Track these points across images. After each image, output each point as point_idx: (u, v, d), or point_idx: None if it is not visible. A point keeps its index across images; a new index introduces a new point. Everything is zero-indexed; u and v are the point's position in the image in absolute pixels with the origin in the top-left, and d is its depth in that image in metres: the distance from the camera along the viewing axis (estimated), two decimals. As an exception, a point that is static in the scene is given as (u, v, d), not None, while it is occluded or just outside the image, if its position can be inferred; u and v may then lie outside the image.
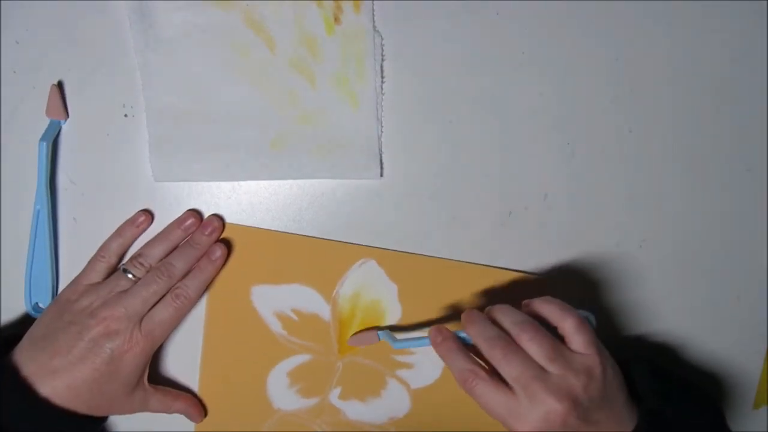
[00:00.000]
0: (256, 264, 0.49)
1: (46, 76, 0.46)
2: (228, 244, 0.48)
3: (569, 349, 0.41)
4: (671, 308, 0.52)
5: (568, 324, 0.41)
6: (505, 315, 0.43)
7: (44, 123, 0.47)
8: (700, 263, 0.52)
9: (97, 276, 0.46)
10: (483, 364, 0.42)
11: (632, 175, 0.51)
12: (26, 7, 0.46)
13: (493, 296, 0.50)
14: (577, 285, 0.51)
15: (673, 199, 0.51)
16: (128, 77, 0.47)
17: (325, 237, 0.49)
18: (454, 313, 0.50)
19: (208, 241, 0.47)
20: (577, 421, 0.39)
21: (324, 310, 0.50)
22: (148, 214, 0.48)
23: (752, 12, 0.50)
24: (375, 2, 0.47)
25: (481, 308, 0.45)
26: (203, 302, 0.49)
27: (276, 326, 0.50)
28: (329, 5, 0.46)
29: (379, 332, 0.48)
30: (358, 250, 0.49)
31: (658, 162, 0.51)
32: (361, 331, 0.50)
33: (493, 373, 0.41)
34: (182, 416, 0.49)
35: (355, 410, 0.52)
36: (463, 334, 0.43)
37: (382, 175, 0.49)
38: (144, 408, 0.47)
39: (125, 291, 0.45)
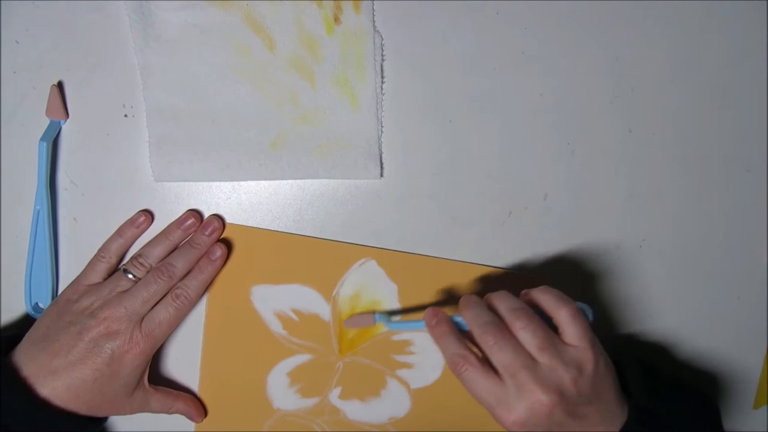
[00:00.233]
0: (256, 264, 0.49)
1: (46, 76, 0.46)
2: (228, 244, 0.48)
3: (562, 340, 0.41)
4: (671, 308, 0.52)
5: (562, 314, 0.41)
6: (502, 301, 0.42)
7: (44, 123, 0.47)
8: (700, 263, 0.52)
9: (97, 276, 0.46)
10: (476, 350, 0.41)
11: (632, 175, 0.51)
12: (26, 7, 0.46)
13: (493, 296, 0.50)
14: (577, 285, 0.51)
15: (673, 199, 0.51)
16: (128, 77, 0.47)
17: (325, 237, 0.49)
18: (454, 306, 0.49)
19: (209, 241, 0.47)
20: (563, 415, 0.39)
21: (324, 310, 0.50)
22: (148, 215, 0.48)
23: (752, 12, 0.50)
24: (375, 2, 0.47)
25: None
26: (203, 302, 0.49)
27: (276, 326, 0.50)
28: (329, 5, 0.46)
29: (375, 315, 0.48)
30: (358, 250, 0.49)
31: (658, 162, 0.51)
32: (357, 313, 0.50)
33: (485, 361, 0.41)
34: (182, 416, 0.50)
35: (355, 410, 0.52)
36: (459, 319, 0.43)
37: (382, 175, 0.49)
38: (144, 408, 0.47)
39: (125, 291, 0.45)
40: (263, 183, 0.49)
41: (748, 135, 0.51)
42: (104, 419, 0.47)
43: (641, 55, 0.49)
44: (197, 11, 0.45)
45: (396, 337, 0.51)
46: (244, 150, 0.47)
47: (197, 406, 0.50)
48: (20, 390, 0.42)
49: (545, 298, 0.42)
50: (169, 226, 0.48)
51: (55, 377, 0.42)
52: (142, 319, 0.44)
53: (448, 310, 0.44)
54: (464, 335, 0.42)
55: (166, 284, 0.45)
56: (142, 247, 0.47)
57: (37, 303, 0.49)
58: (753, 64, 0.50)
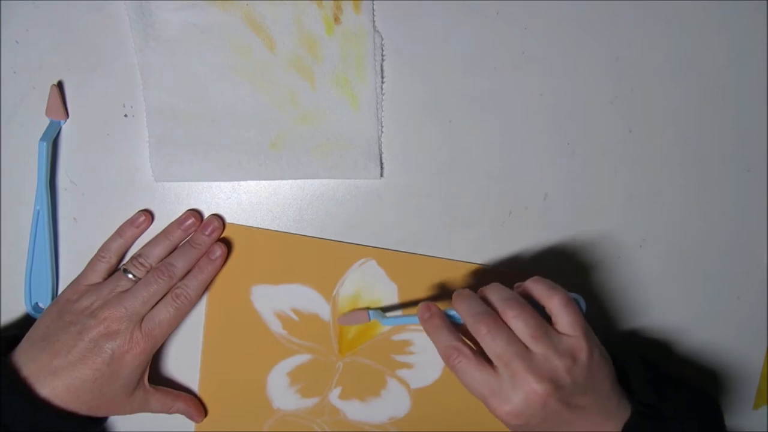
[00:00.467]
0: (256, 264, 0.49)
1: (46, 76, 0.46)
2: (228, 244, 0.48)
3: (555, 330, 0.41)
4: (671, 308, 0.52)
5: (555, 302, 0.41)
6: (494, 292, 0.42)
7: (44, 123, 0.47)
8: (700, 263, 0.52)
9: (97, 276, 0.46)
10: (470, 343, 0.41)
11: (632, 175, 0.51)
12: (26, 7, 0.46)
13: (493, 296, 0.50)
14: (576, 285, 0.51)
15: (673, 199, 0.51)
16: (128, 77, 0.47)
17: (325, 237, 0.49)
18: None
19: (209, 241, 0.47)
20: (558, 404, 0.39)
21: (324, 310, 0.50)
22: (148, 215, 0.48)
23: (752, 12, 0.50)
24: (375, 2, 0.47)
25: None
26: (203, 302, 0.49)
27: (276, 326, 0.50)
28: (329, 5, 0.46)
29: (369, 311, 0.48)
30: (358, 250, 0.49)
31: (658, 162, 0.51)
32: (351, 311, 0.50)
33: (479, 353, 0.40)
34: (182, 416, 0.50)
35: (355, 410, 0.52)
36: (452, 312, 0.43)
37: (382, 175, 0.49)
38: (144, 408, 0.47)
39: (125, 291, 0.45)
40: (263, 183, 0.49)
41: (748, 135, 0.51)
42: (104, 419, 0.47)
43: (641, 55, 0.49)
44: (197, 11, 0.45)
45: (396, 337, 0.51)
46: (244, 150, 0.47)
47: (197, 406, 0.50)
48: (20, 390, 0.42)
49: (537, 287, 0.42)
50: (169, 226, 0.48)
51: (55, 377, 0.42)
52: (142, 319, 0.44)
53: (442, 306, 0.44)
54: (458, 329, 0.42)
55: (166, 284, 0.45)
56: (142, 247, 0.47)
57: (37, 303, 0.49)
58: (753, 64, 0.50)
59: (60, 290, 0.48)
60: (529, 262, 0.51)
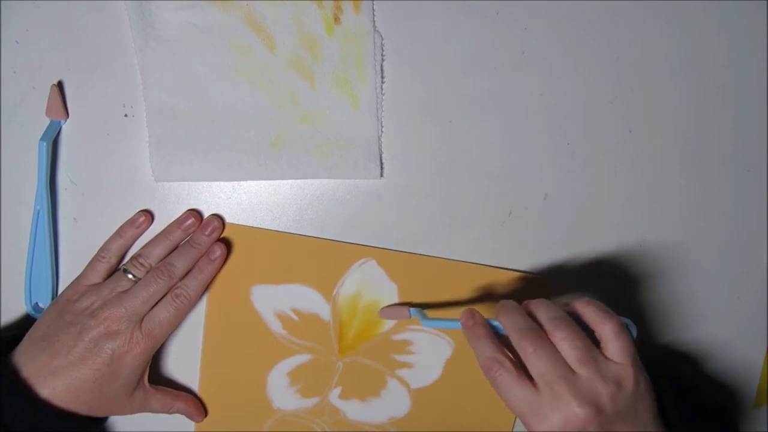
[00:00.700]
0: (256, 264, 0.49)
1: (46, 76, 0.46)
2: (228, 244, 0.48)
3: (603, 354, 0.40)
4: (671, 308, 0.52)
5: (607, 328, 0.40)
6: (542, 309, 0.41)
7: (44, 123, 0.47)
8: (700, 263, 0.52)
9: (97, 276, 0.46)
10: (511, 355, 0.40)
11: (632, 174, 0.51)
12: (26, 7, 0.46)
13: (493, 296, 0.50)
14: (576, 285, 0.51)
15: (673, 199, 0.51)
16: (128, 77, 0.47)
17: (325, 237, 0.49)
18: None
19: (208, 241, 0.47)
20: (598, 430, 0.38)
21: (324, 310, 0.50)
22: (148, 215, 0.48)
23: (752, 12, 0.50)
24: (375, 2, 0.47)
25: (483, 309, 0.44)
26: (203, 302, 0.49)
27: (276, 326, 0.50)
28: (329, 5, 0.46)
29: (410, 309, 0.47)
30: (358, 250, 0.49)
31: (658, 162, 0.51)
32: (392, 305, 0.49)
33: (520, 367, 0.40)
34: (182, 416, 0.50)
35: (355, 410, 0.52)
36: (495, 323, 0.42)
37: (382, 175, 0.49)
38: (144, 408, 0.47)
39: (125, 291, 0.45)
40: (263, 183, 0.49)
41: (748, 135, 0.51)
42: (104, 419, 0.47)
43: (641, 55, 0.49)
44: (197, 11, 0.45)
45: (396, 337, 0.51)
46: (244, 150, 0.47)
47: (197, 406, 0.50)
48: (20, 390, 0.42)
49: (588, 310, 0.41)
50: (169, 226, 0.48)
51: (55, 377, 0.42)
52: (142, 319, 0.44)
53: (483, 313, 0.43)
54: (499, 340, 0.41)
55: (166, 284, 0.45)
56: (142, 247, 0.47)
57: (37, 303, 0.49)
58: (753, 64, 0.50)
59: (60, 290, 0.48)
60: (529, 263, 0.51)
